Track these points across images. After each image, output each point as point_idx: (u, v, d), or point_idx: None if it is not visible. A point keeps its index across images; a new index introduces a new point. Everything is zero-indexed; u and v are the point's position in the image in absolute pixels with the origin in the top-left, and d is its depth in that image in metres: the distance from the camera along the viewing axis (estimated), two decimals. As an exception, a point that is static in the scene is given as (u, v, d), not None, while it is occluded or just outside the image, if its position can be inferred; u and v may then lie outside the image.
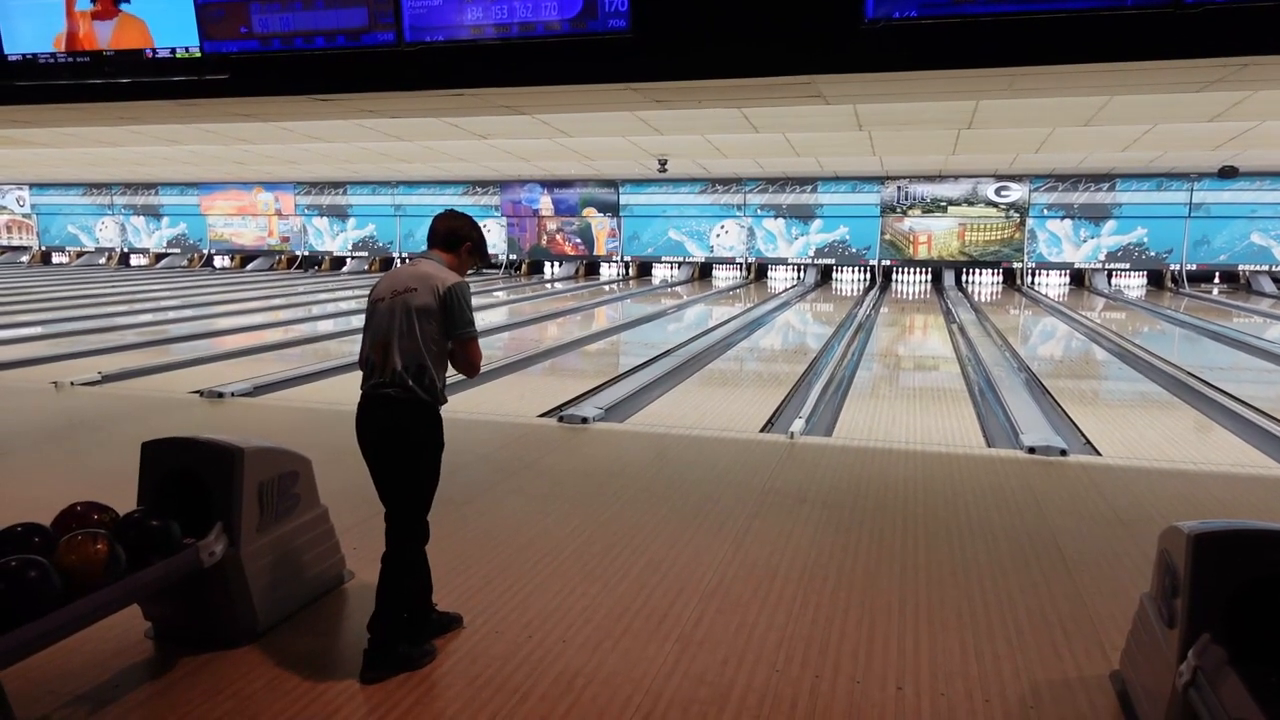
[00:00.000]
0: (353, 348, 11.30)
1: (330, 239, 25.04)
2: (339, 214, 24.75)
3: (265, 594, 3.19)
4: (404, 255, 24.28)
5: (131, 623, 3.14)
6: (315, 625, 3.29)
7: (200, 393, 7.45)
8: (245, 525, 3.12)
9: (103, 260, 26.97)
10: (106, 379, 8.24)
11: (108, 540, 2.66)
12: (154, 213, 26.43)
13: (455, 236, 3.15)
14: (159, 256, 26.67)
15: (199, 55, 5.40)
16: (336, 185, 24.32)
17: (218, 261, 26.08)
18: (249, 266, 25.51)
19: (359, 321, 16.36)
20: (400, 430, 2.96)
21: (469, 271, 3.23)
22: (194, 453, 3.20)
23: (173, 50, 5.43)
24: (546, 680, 2.90)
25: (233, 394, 7.45)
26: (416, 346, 2.93)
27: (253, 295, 17.93)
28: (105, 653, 3.06)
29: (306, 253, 25.26)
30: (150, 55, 5.50)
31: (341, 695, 2.80)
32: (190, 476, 3.16)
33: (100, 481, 4.73)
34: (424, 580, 3.13)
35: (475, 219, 3.26)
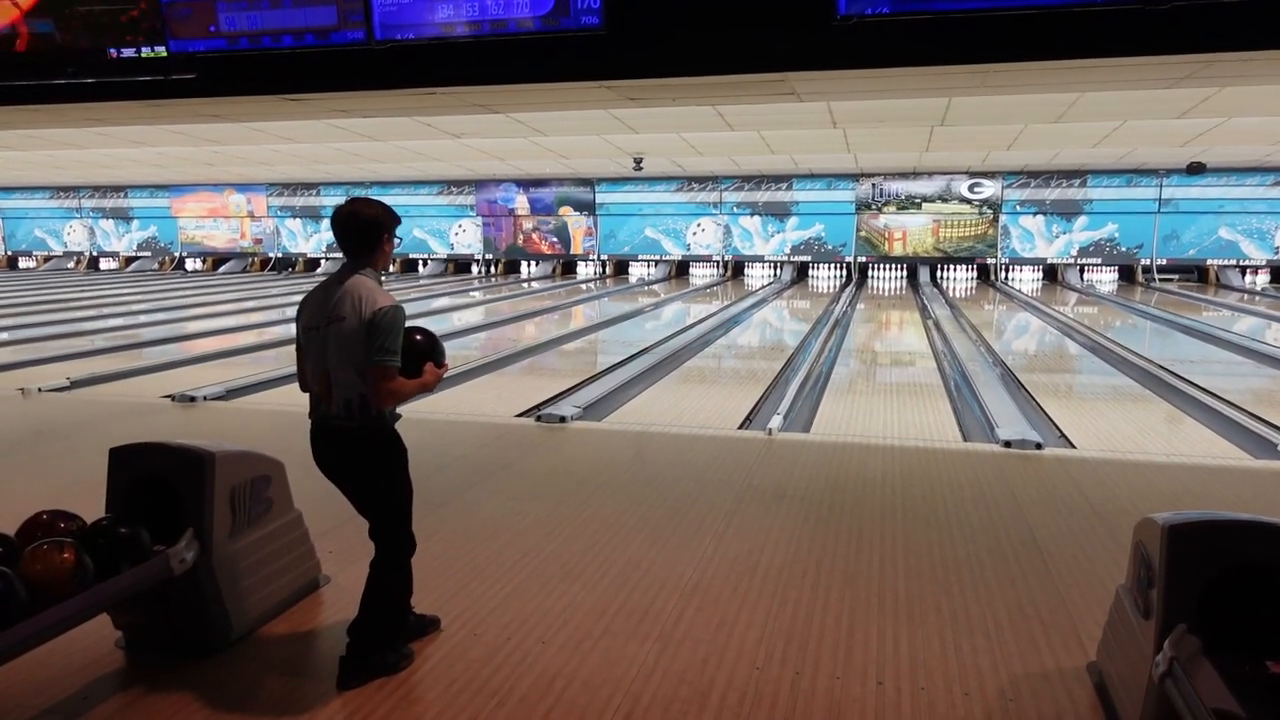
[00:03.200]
0: (327, 350, 11.22)
1: (304, 240, 24.80)
2: (312, 215, 24.51)
3: (238, 600, 3.14)
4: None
5: (101, 632, 3.08)
6: (290, 631, 3.24)
7: (172, 397, 7.34)
8: (217, 531, 3.07)
9: (71, 264, 26.55)
10: (75, 385, 8.10)
11: (74, 549, 2.61)
12: (123, 216, 26.05)
13: (373, 232, 2.84)
14: (129, 260, 26.29)
15: (165, 55, 5.31)
16: (309, 186, 24.09)
17: (189, 264, 25.75)
18: (221, 269, 25.21)
19: (334, 323, 16.07)
20: (355, 461, 2.90)
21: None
22: (164, 458, 3.15)
23: (138, 50, 5.34)
24: (526, 682, 2.88)
25: (205, 398, 7.35)
26: (354, 378, 2.79)
27: (225, 298, 17.72)
28: (75, 664, 3.00)
29: (280, 255, 25.01)
30: (115, 55, 5.41)
31: (318, 702, 2.76)
32: (160, 482, 3.10)
33: (68, 490, 4.65)
34: (406, 587, 3.07)
35: (375, 200, 2.93)
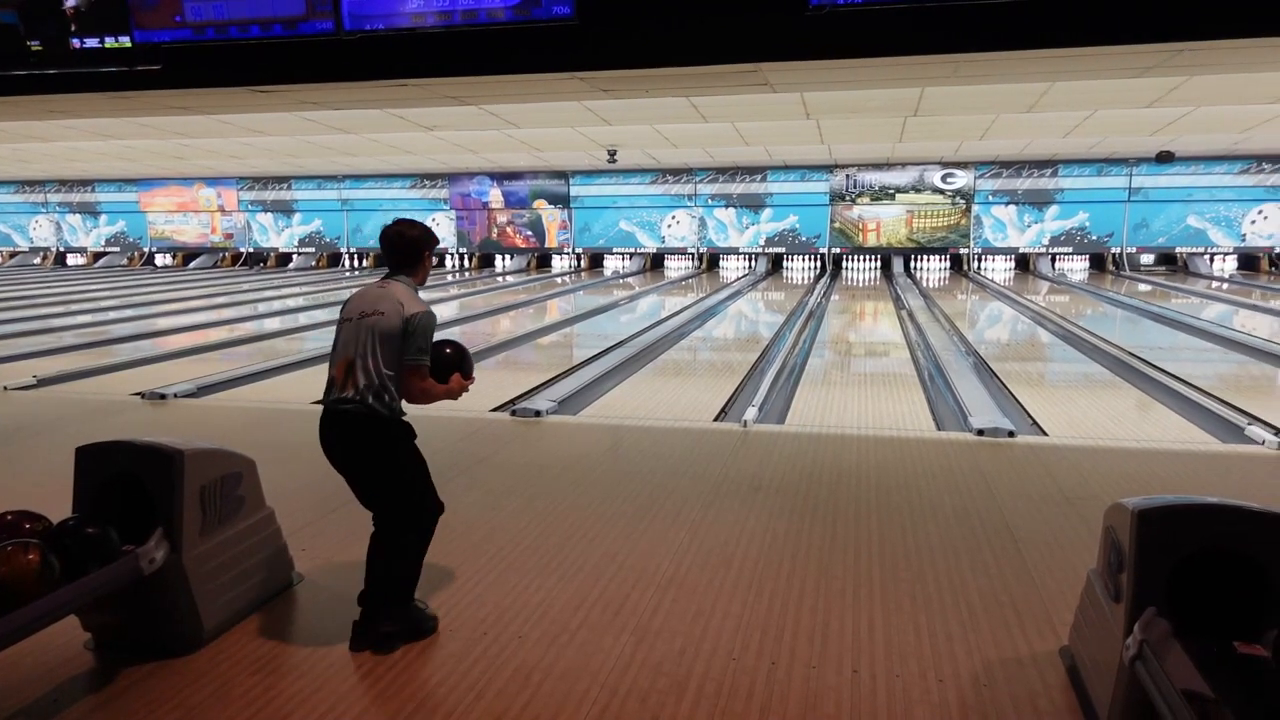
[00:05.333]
0: (300, 345, 11.14)
1: (275, 235, 24.52)
2: (284, 209, 24.24)
3: (210, 599, 3.10)
4: (352, 250, 23.88)
5: (71, 634, 3.03)
6: (263, 630, 3.21)
7: (141, 395, 7.24)
8: (187, 530, 3.03)
9: (38, 260, 26.10)
10: (42, 383, 7.96)
11: (39, 550, 2.56)
12: (91, 210, 25.63)
13: (415, 250, 3.18)
14: (97, 255, 25.89)
15: (129, 45, 5.21)
16: (280, 180, 23.81)
17: (159, 260, 25.40)
18: (192, 264, 24.88)
19: (306, 319, 16.11)
20: (365, 446, 3.02)
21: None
22: (132, 456, 3.10)
23: (101, 40, 5.24)
24: (503, 676, 2.87)
25: (175, 395, 7.25)
26: (379, 368, 2.98)
27: (196, 294, 17.49)
28: (43, 666, 2.95)
29: (251, 249, 24.71)
30: (78, 45, 5.30)
31: (291, 701, 2.74)
32: (129, 481, 3.05)
33: (34, 490, 4.57)
34: (416, 567, 3.14)
35: (418, 221, 3.30)
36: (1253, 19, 4.69)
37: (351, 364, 3.00)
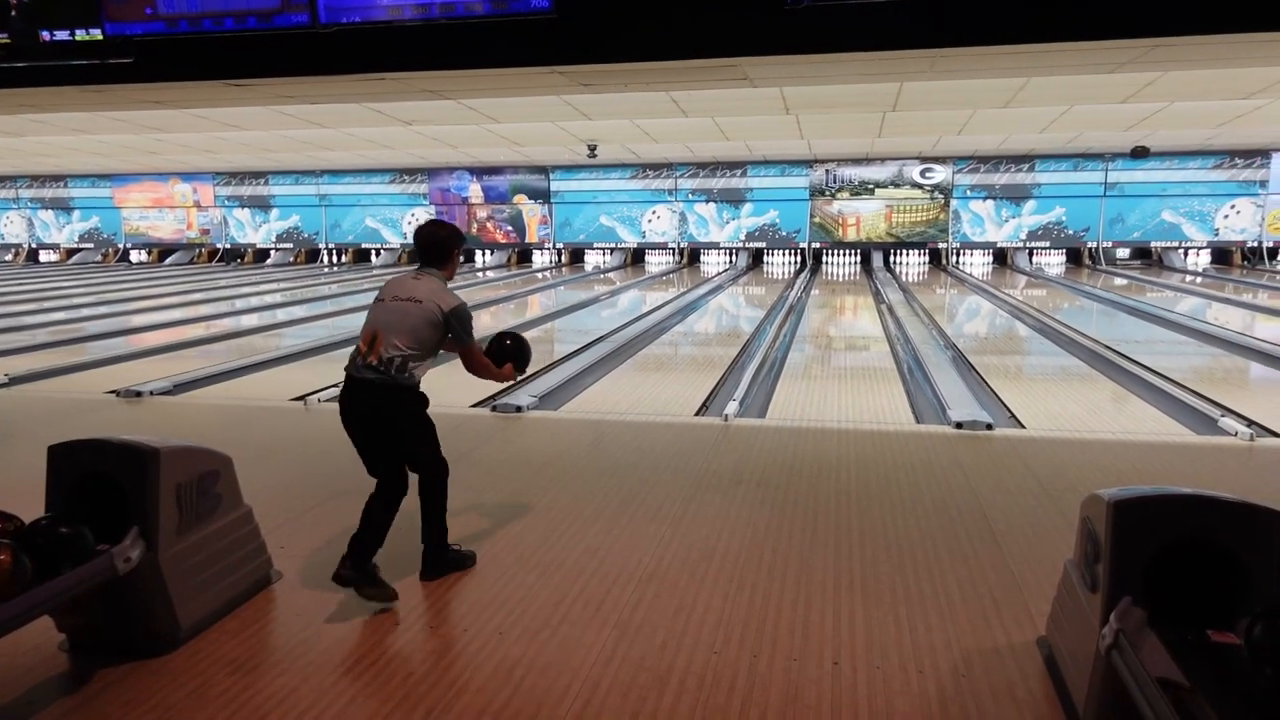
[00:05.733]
0: (278, 342, 11.04)
1: (253, 231, 24.29)
2: (261, 205, 24.01)
3: (187, 599, 3.07)
4: (330, 246, 23.70)
5: (45, 635, 2.99)
6: (241, 630, 3.18)
7: (117, 392, 7.15)
8: (163, 529, 2.99)
9: (9, 257, 25.70)
10: (14, 381, 7.85)
11: (11, 550, 2.52)
12: (64, 206, 25.27)
13: (445, 249, 3.56)
14: (71, 252, 25.54)
15: (100, 38, 5.13)
16: (258, 175, 23.58)
17: (134, 256, 25.09)
18: (168, 260, 24.60)
19: (285, 315, 15.98)
20: (384, 411, 3.38)
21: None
22: (106, 455, 3.06)
23: (71, 32, 5.15)
24: (484, 672, 2.86)
25: (151, 393, 7.17)
26: (405, 345, 3.34)
27: (172, 290, 17.29)
28: (17, 668, 2.90)
29: (228, 245, 24.46)
30: (47, 38, 5.21)
31: (270, 701, 2.72)
32: (103, 480, 3.01)
33: (7, 490, 4.49)
34: (443, 517, 3.56)
35: (448, 223, 3.79)
36: (1223, 16, 4.74)
37: (376, 337, 3.36)
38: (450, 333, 3.45)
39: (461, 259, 3.78)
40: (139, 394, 7.10)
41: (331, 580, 3.27)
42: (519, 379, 3.70)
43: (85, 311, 14.21)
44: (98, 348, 10.46)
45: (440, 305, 3.38)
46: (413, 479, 3.53)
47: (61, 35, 5.21)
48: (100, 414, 6.59)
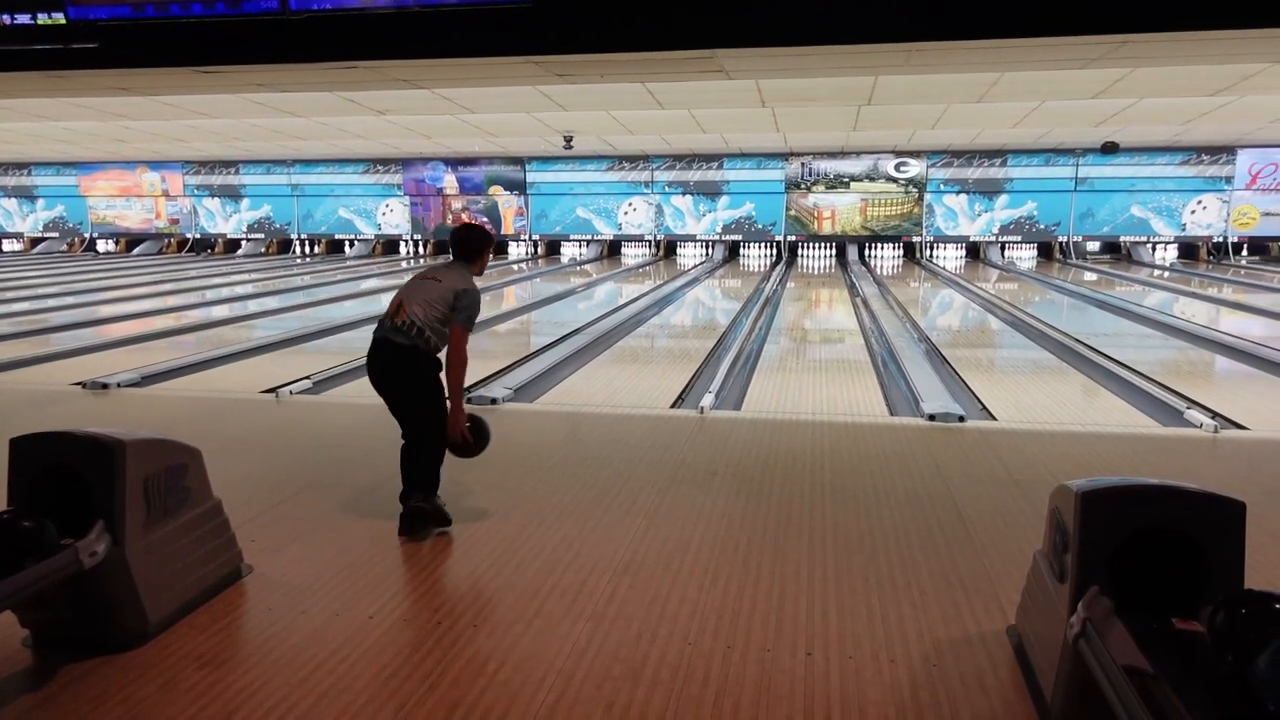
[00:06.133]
0: (249, 333, 10.91)
1: (223, 220, 23.94)
2: (232, 194, 23.68)
3: (155, 593, 3.03)
4: (303, 236, 23.43)
5: (7, 631, 2.94)
6: (211, 624, 3.14)
7: (83, 384, 7.03)
8: (130, 522, 2.95)
9: (-29, 246, 25.19)
10: (-24, 372, 7.70)
11: (-28, 544, 2.47)
12: (28, 194, 24.77)
13: (475, 247, 4.07)
14: (35, 241, 25.05)
15: (63, 22, 5.01)
16: (228, 164, 23.24)
17: (101, 246, 24.66)
18: (135, 250, 24.20)
19: (256, 306, 15.80)
20: (404, 368, 3.83)
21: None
22: (71, 447, 3.00)
23: (33, 16, 5.03)
24: (457, 666, 2.84)
25: (119, 385, 7.05)
26: (424, 317, 3.81)
27: (140, 280, 17.02)
28: (-22, 664, 2.85)
29: (198, 235, 24.11)
30: (8, 22, 5.09)
31: (240, 695, 2.69)
32: (68, 473, 2.96)
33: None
34: (437, 466, 3.95)
35: (479, 225, 4.48)
36: (1189, 13, 4.80)
37: (406, 302, 3.85)
38: (453, 310, 3.84)
39: (489, 259, 4.21)
40: (106, 386, 6.99)
41: (408, 510, 3.82)
42: (470, 446, 4.04)
43: (50, 302, 13.96)
44: (63, 339, 10.28)
45: (454, 286, 3.87)
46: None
47: (23, 19, 5.09)
48: (66, 406, 6.48)
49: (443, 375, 3.89)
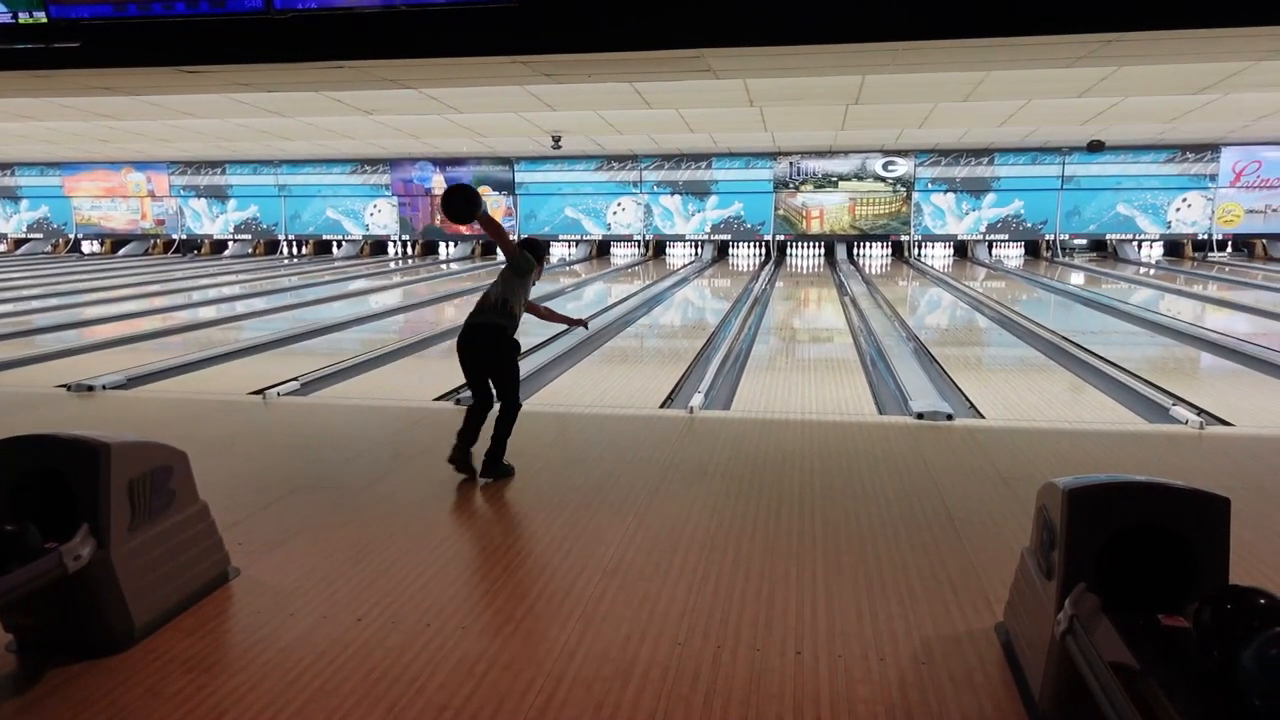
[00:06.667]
0: (237, 334, 10.87)
1: (210, 221, 23.83)
2: (218, 195, 23.56)
3: (140, 597, 3.00)
4: (290, 237, 23.32)
5: (-10, 636, 2.91)
6: (197, 627, 3.12)
7: (68, 387, 6.98)
8: (115, 525, 2.92)
9: (-46, 247, 24.98)
10: (-40, 375, 7.63)
11: (-46, 549, 2.45)
12: (11, 195, 24.60)
13: (537, 251, 4.94)
14: (19, 242, 24.89)
15: (45, 21, 4.97)
16: (214, 164, 23.12)
17: (86, 247, 24.51)
18: (121, 251, 24.06)
19: (244, 307, 15.71)
20: (493, 344, 4.62)
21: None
22: (54, 450, 2.97)
23: (14, 15, 4.98)
24: (446, 668, 2.83)
25: (104, 387, 7.00)
26: (500, 290, 4.68)
27: (126, 282, 16.91)
28: (-39, 670, 2.82)
29: (184, 236, 23.97)
30: (-10, 21, 5.04)
31: (228, 699, 2.67)
32: (52, 476, 2.93)
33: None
34: (507, 436, 4.69)
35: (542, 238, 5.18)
36: (1172, 12, 4.83)
37: (490, 292, 4.69)
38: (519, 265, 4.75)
39: (548, 261, 5.04)
40: (91, 388, 6.94)
41: (451, 461, 4.60)
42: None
43: (34, 304, 13.85)
44: (48, 340, 10.21)
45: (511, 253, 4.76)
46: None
47: (3, 18, 5.04)
48: (50, 408, 6.43)
49: (518, 349, 4.77)
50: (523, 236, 5.17)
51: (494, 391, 4.68)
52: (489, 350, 4.59)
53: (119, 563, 2.92)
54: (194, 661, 2.89)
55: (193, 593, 3.27)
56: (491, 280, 4.85)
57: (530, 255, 4.77)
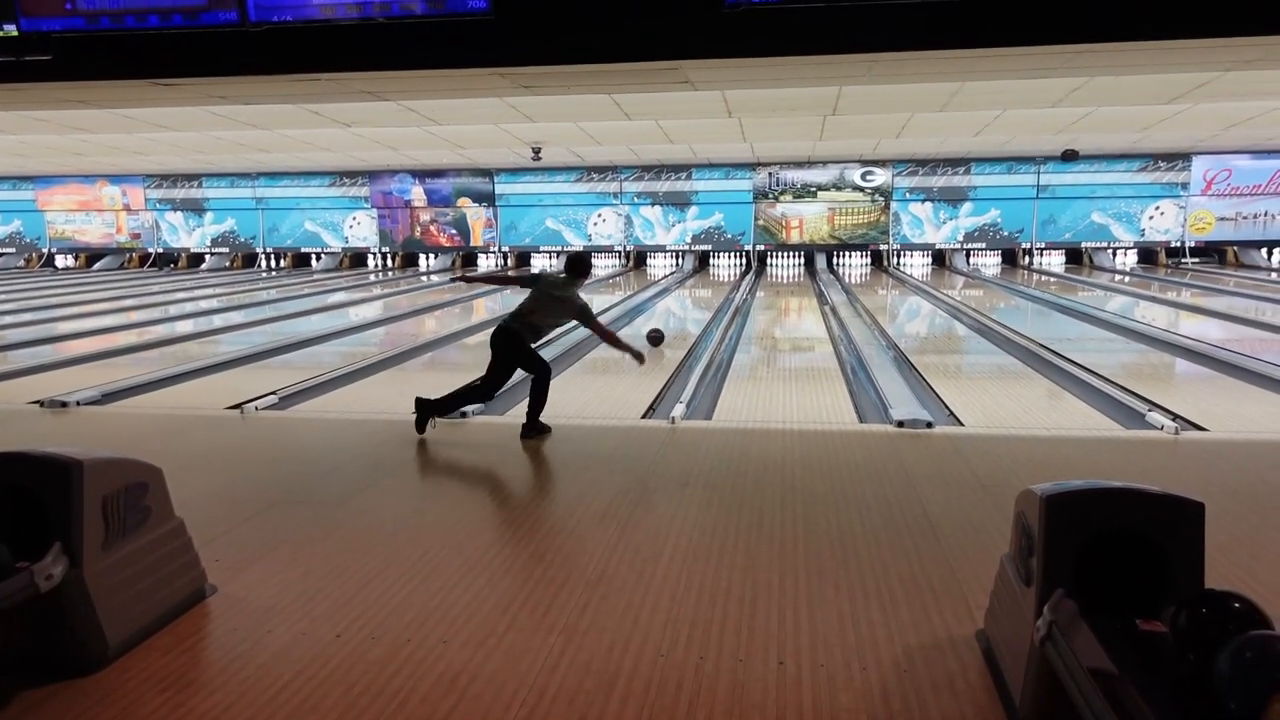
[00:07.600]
0: (215, 348, 10.78)
1: (186, 235, 23.62)
2: (195, 208, 23.37)
3: (115, 615, 2.96)
4: (268, 250, 23.17)
5: (-40, 658, 2.86)
6: (173, 646, 3.07)
7: (41, 403, 6.88)
8: (88, 544, 2.88)
9: (-75, 263, 24.61)
10: (-70, 392, 7.51)
11: (-77, 570, 2.40)
12: (-18, 210, 24.28)
13: (583, 270, 5.94)
14: (-9, 257, 24.56)
15: (15, 34, 4.91)
16: (191, 177, 22.94)
17: (59, 261, 24.22)
18: (96, 266, 23.79)
19: (221, 321, 15.57)
20: (520, 345, 5.75)
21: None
22: (26, 468, 2.93)
23: (-16, 28, 4.94)
24: (427, 682, 2.81)
25: (78, 403, 6.91)
26: (543, 317, 5.79)
27: (101, 296, 16.73)
28: (-70, 693, 2.77)
29: (160, 250, 23.75)
30: (-40, 34, 4.99)
31: (205, 718, 2.63)
32: (23, 494, 2.89)
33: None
34: (544, 399, 5.78)
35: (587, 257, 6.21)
36: (1143, 22, 4.91)
37: (533, 310, 5.72)
38: (578, 314, 5.78)
39: (590, 276, 6.09)
40: (65, 404, 6.84)
41: (416, 410, 5.78)
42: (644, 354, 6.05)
43: (7, 319, 13.67)
44: (20, 356, 10.05)
45: (575, 302, 5.73)
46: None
47: (-25, 31, 5.00)
48: (22, 425, 6.34)
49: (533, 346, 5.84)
50: (569, 254, 6.67)
51: (494, 386, 5.98)
52: (504, 350, 5.74)
53: (92, 581, 2.88)
54: (170, 680, 2.85)
55: (169, 610, 3.23)
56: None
57: (571, 275, 5.81)
